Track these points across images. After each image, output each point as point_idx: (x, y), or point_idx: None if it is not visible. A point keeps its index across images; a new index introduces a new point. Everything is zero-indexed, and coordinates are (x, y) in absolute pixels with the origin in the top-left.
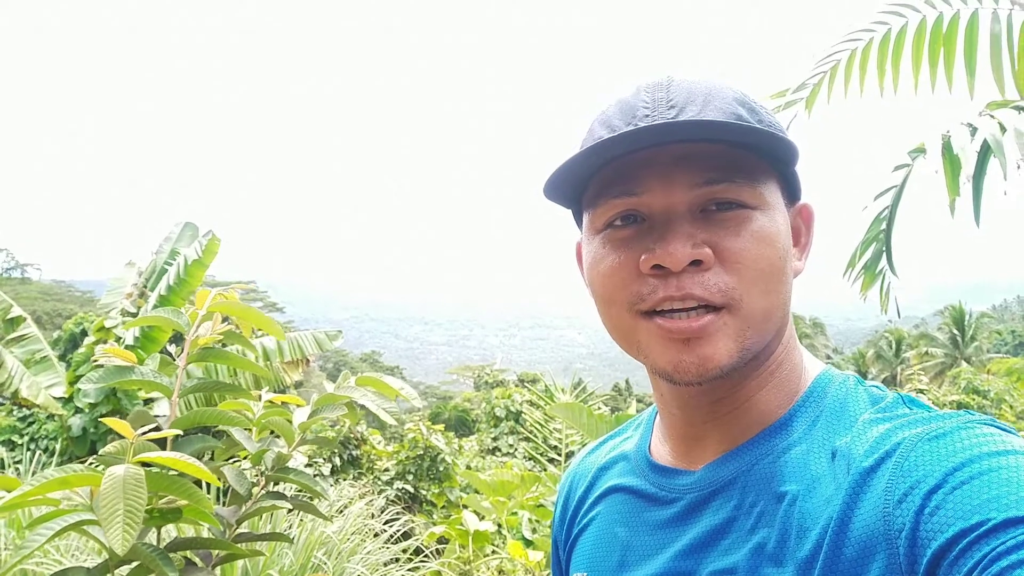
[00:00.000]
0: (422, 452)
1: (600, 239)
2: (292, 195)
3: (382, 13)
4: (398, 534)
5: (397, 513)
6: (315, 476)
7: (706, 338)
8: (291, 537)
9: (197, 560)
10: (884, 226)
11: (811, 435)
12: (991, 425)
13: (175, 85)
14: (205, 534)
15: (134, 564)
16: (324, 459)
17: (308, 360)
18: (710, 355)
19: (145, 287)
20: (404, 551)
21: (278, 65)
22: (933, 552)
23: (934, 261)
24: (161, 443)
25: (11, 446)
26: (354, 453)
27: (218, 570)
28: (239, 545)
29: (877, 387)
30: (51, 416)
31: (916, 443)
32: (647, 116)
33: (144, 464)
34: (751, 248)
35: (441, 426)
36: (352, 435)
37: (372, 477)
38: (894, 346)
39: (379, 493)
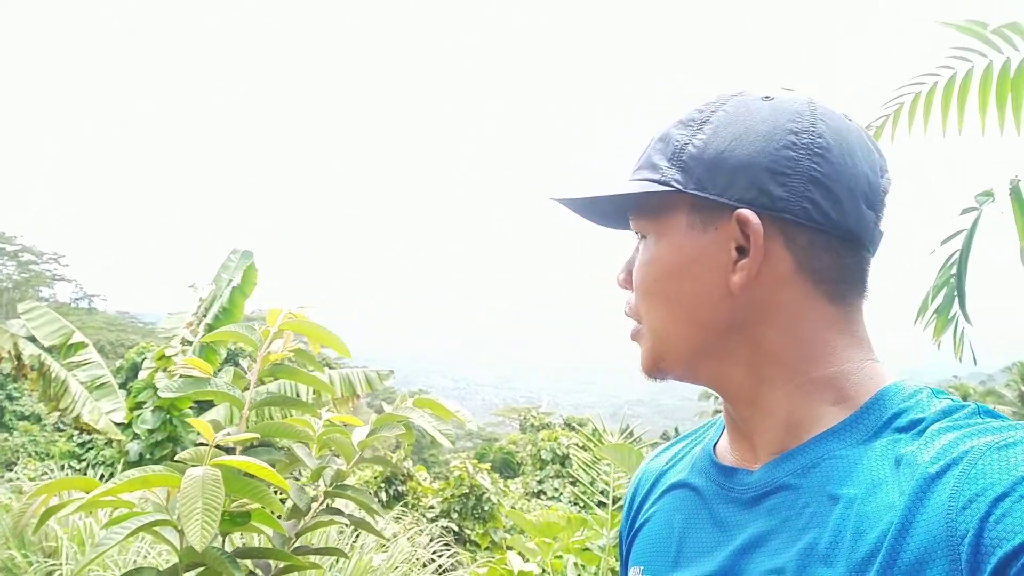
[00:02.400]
0: (467, 491)
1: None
2: (339, 233)
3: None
4: (447, 566)
5: (446, 544)
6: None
7: (638, 343)
8: (346, 552)
9: (258, 571)
10: (955, 270)
11: (875, 441)
12: None
13: (232, 119)
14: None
15: (202, 568)
16: (371, 492)
17: (358, 396)
18: (640, 357)
19: (205, 315)
20: None
21: (339, 94)
22: (999, 559)
23: (1001, 313)
24: (230, 454)
25: (69, 472)
26: (400, 489)
27: None
28: (298, 558)
29: (952, 399)
30: (109, 442)
31: (985, 451)
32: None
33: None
34: (638, 272)
35: (487, 465)
36: (399, 471)
37: (417, 514)
38: None
39: (421, 532)
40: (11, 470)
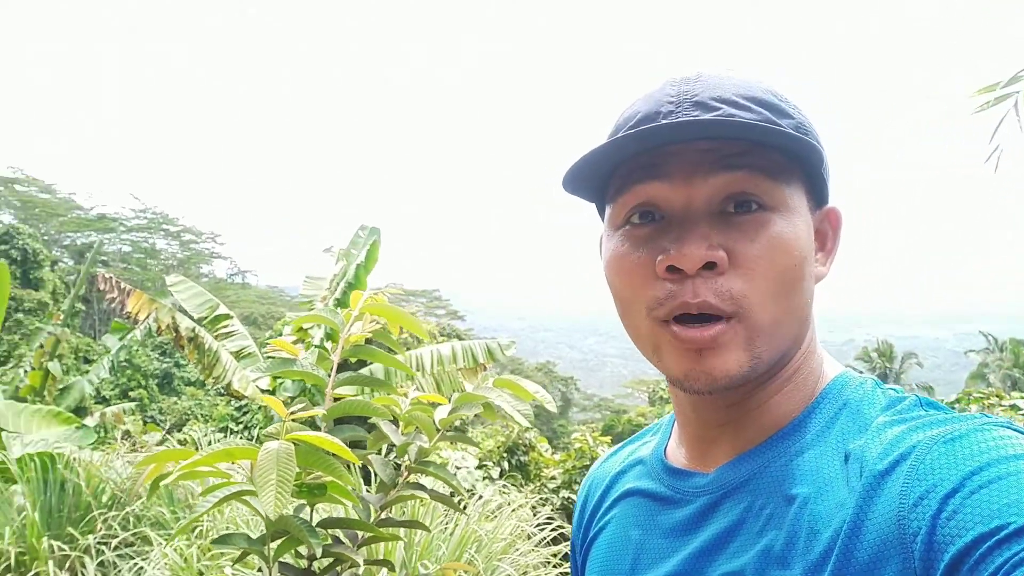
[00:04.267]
0: (588, 463)
1: (619, 236)
2: (476, 209)
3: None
4: (548, 539)
5: (550, 518)
6: (484, 478)
7: (717, 349)
8: (431, 528)
9: (345, 540)
10: None
11: (825, 438)
12: (1008, 428)
13: (372, 98)
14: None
15: (287, 536)
16: (493, 463)
17: (484, 366)
18: (719, 366)
19: (335, 290)
20: (554, 555)
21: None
22: (952, 556)
23: None
24: (318, 428)
25: (227, 432)
26: (522, 459)
27: (366, 552)
28: (381, 530)
29: (895, 390)
30: (261, 407)
31: (932, 446)
32: (671, 112)
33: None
34: (766, 254)
35: (609, 438)
36: (520, 441)
37: (539, 484)
38: None
39: (544, 501)
40: (180, 431)
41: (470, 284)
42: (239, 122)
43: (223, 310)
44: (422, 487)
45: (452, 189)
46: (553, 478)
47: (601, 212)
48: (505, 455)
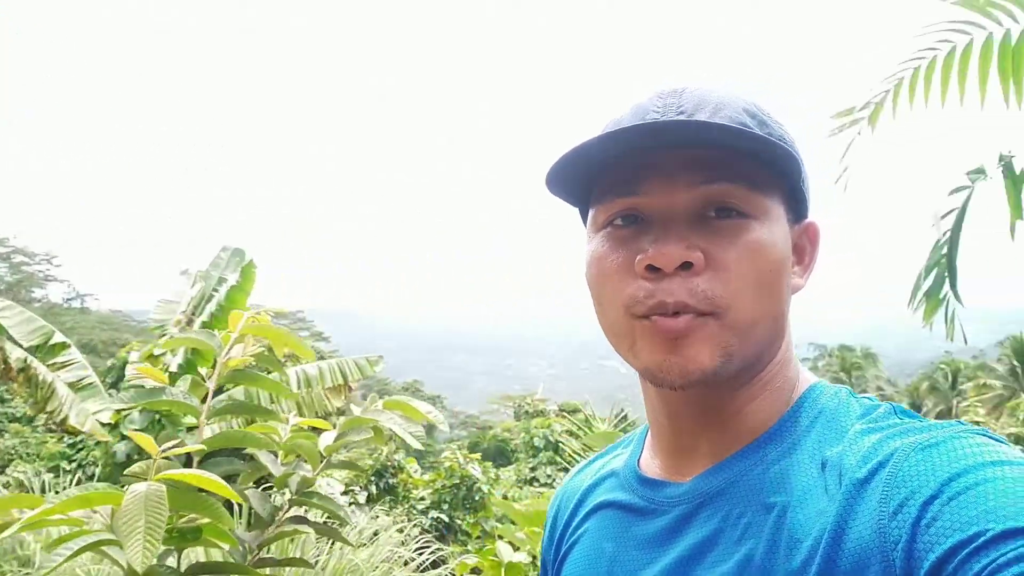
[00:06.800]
0: (458, 481)
1: (600, 236)
2: (334, 226)
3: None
4: (427, 563)
5: (428, 542)
6: (350, 504)
7: (691, 340)
8: (313, 563)
9: None
10: (945, 251)
11: (801, 445)
12: (984, 435)
13: (228, 115)
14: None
15: None
16: (360, 487)
17: (351, 387)
18: (693, 357)
19: (193, 314)
20: None
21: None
22: (931, 563)
23: (994, 288)
24: (191, 464)
25: (57, 472)
26: (391, 482)
27: None
28: (259, 571)
29: (869, 399)
30: (99, 442)
31: (909, 453)
32: (655, 119)
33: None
34: (743, 258)
35: (478, 455)
36: (389, 463)
37: (408, 506)
38: (950, 378)
39: (413, 523)
40: (3, 472)
41: (334, 305)
42: (78, 135)
43: (59, 338)
44: (305, 520)
45: (311, 207)
46: (422, 499)
47: (584, 216)
48: (373, 478)
